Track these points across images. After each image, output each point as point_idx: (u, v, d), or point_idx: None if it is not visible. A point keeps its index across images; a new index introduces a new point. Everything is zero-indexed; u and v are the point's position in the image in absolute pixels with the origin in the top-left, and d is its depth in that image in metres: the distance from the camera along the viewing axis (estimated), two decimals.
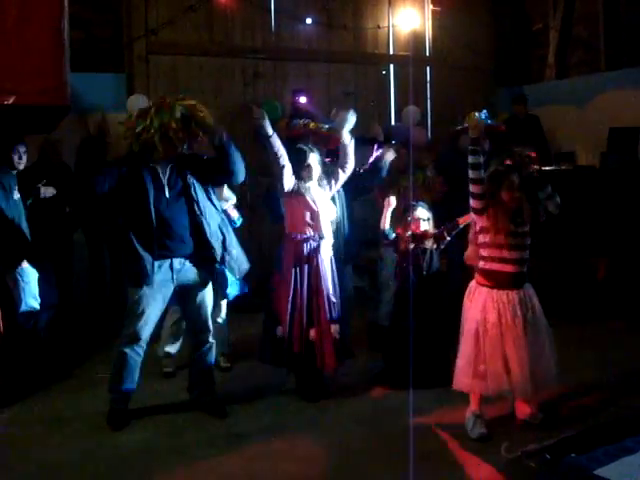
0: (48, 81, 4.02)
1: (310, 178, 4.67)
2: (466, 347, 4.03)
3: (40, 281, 4.96)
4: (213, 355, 4.51)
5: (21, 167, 5.03)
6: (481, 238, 4.07)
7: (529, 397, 4.06)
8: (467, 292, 4.13)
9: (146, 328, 4.23)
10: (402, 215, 4.99)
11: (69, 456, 3.90)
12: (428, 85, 8.73)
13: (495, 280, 3.99)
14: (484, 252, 4.05)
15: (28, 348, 4.93)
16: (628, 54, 8.21)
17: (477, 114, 4.10)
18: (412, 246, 4.88)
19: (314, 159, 4.68)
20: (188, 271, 4.27)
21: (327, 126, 5.34)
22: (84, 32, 7.23)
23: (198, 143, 4.19)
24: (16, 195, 4.96)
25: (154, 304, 4.20)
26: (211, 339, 4.45)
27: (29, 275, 4.88)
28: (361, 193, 5.51)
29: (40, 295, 4.93)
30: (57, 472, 3.73)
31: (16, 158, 4.95)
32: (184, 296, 4.35)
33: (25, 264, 4.85)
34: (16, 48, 3.96)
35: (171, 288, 4.25)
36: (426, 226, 4.93)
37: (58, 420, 4.39)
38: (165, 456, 3.89)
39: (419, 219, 4.92)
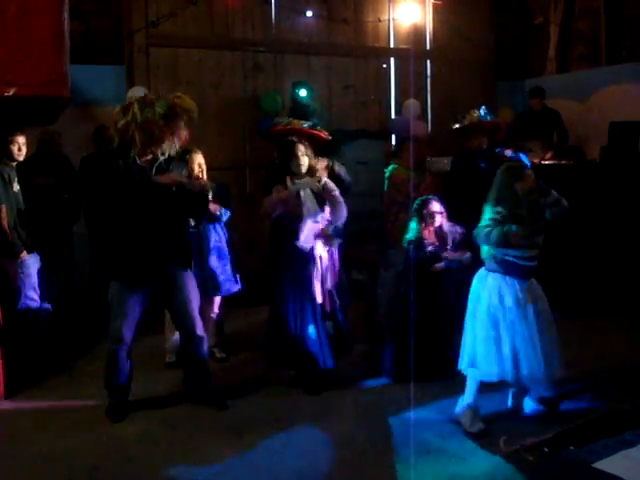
0: (49, 73, 3.99)
1: (300, 172, 4.65)
2: (477, 330, 3.99)
3: (40, 273, 4.96)
4: (205, 347, 4.47)
5: (21, 159, 5.02)
6: None
7: (536, 385, 4.07)
8: (477, 278, 4.11)
9: (128, 322, 4.21)
10: (421, 210, 4.91)
11: (69, 447, 3.91)
12: (429, 78, 8.72)
13: (506, 269, 3.99)
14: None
15: (28, 340, 4.93)
16: (629, 49, 8.20)
17: (477, 112, 4.05)
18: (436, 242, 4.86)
19: (302, 150, 4.67)
20: (170, 266, 4.24)
21: (309, 123, 5.39)
22: (84, 24, 7.23)
23: (180, 139, 4.13)
24: (16, 187, 4.96)
25: (134, 299, 4.18)
26: (200, 332, 4.38)
27: (29, 267, 4.89)
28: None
29: (40, 287, 4.94)
30: (57, 462, 3.74)
31: (15, 149, 4.94)
32: (167, 292, 4.30)
33: (25, 256, 4.85)
34: (17, 39, 3.93)
35: (150, 284, 4.23)
36: (440, 219, 4.89)
37: (58, 411, 4.40)
38: (164, 448, 3.90)
39: (435, 213, 4.88)
